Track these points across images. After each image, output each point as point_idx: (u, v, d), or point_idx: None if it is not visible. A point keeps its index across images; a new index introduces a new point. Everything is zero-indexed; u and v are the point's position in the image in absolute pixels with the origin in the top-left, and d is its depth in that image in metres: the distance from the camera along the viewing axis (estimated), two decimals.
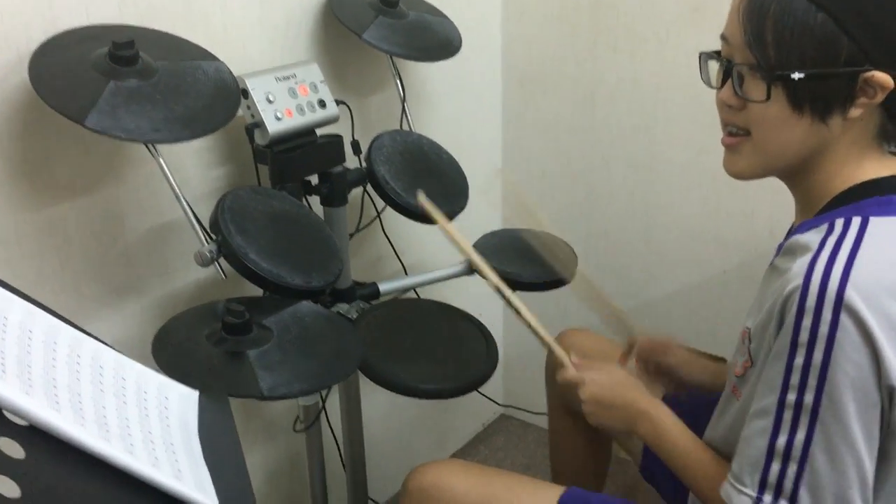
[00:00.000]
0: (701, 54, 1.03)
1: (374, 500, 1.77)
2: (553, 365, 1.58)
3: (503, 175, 1.45)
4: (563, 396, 1.57)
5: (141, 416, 0.74)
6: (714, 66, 1.01)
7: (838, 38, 0.88)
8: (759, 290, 1.04)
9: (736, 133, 0.99)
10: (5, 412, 0.61)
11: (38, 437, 0.61)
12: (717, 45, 1.01)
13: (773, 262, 1.03)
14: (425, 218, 1.45)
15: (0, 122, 1.11)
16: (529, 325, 1.24)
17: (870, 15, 0.88)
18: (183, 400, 0.83)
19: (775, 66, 0.91)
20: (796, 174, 0.99)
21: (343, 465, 1.67)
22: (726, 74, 0.98)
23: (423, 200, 1.34)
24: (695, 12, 1.68)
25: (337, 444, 1.67)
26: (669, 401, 1.15)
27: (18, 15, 1.09)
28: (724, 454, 1.05)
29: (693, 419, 1.13)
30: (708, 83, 1.03)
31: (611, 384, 1.17)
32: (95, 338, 0.81)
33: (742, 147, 0.99)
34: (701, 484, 1.05)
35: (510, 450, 2.26)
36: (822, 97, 0.91)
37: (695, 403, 1.31)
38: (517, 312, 1.25)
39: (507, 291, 1.26)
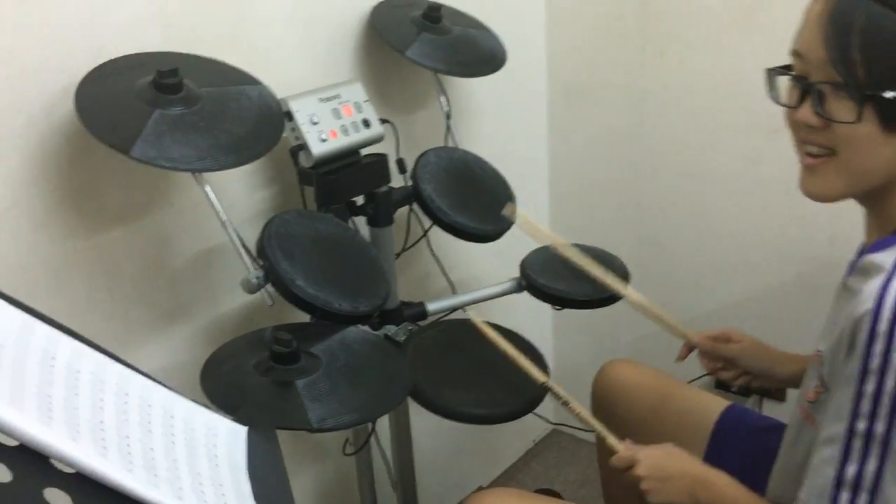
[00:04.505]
0: (769, 71, 0.97)
1: None
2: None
3: (515, 209, 1.49)
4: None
5: (190, 457, 0.73)
6: (784, 82, 0.95)
7: None
8: (831, 310, 0.99)
9: (818, 154, 0.93)
10: (52, 460, 0.60)
11: (85, 484, 0.60)
12: (769, 48, 0.96)
13: (846, 281, 0.98)
14: (471, 236, 1.43)
15: (49, 152, 1.11)
16: (579, 416, 1.22)
17: None
18: (231, 436, 0.82)
19: (865, 84, 0.85)
20: (877, 193, 0.93)
21: (393, 486, 1.65)
22: (804, 93, 0.92)
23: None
24: (744, 16, 1.63)
25: (387, 465, 1.65)
26: (723, 466, 1.12)
27: (63, 44, 1.10)
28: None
29: (749, 479, 1.08)
30: (776, 100, 0.97)
31: (665, 456, 1.15)
32: (142, 372, 0.80)
33: (825, 168, 0.92)
34: None
35: (562, 466, 2.22)
36: None
37: (748, 463, 1.27)
38: (565, 404, 1.22)
39: (561, 392, 1.23)
